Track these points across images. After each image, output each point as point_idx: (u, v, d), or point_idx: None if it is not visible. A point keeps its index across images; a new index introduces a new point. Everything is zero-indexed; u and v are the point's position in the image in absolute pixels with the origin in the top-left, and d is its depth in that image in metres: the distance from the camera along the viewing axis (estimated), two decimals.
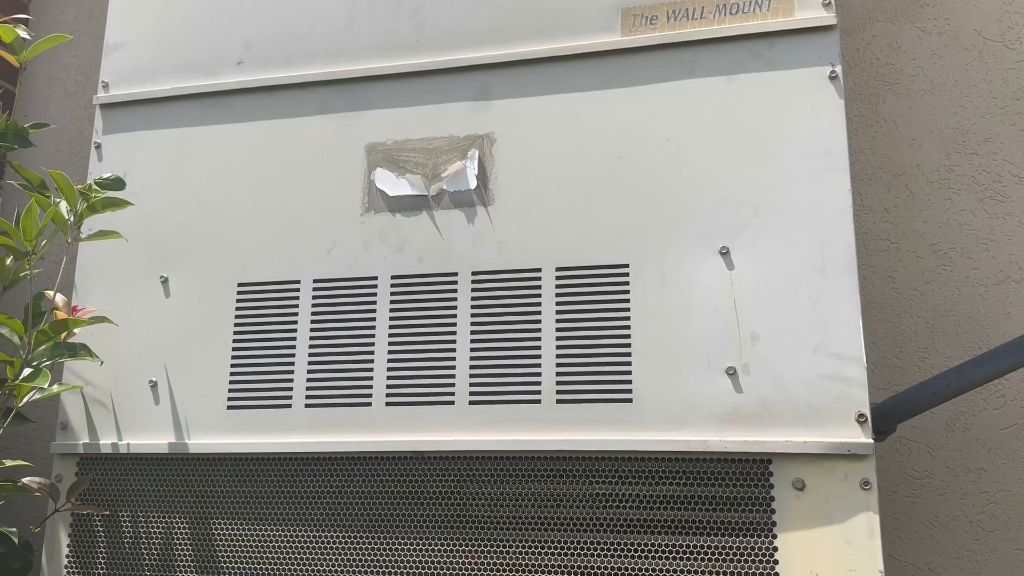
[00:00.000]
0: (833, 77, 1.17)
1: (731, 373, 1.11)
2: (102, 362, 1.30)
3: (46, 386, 1.13)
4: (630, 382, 1.14)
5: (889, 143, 1.64)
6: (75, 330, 1.29)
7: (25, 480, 1.23)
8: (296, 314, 1.28)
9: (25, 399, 1.19)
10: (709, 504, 1.09)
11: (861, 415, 1.07)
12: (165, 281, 1.35)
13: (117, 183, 1.25)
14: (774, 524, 1.07)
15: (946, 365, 1.53)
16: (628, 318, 1.16)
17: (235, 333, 1.30)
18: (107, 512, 1.28)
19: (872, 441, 1.06)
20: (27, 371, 1.15)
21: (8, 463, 1.21)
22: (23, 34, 1.47)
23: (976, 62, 1.64)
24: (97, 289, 1.38)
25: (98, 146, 1.45)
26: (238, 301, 1.31)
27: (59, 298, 1.28)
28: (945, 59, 1.65)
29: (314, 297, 1.28)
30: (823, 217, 1.13)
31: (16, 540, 1.22)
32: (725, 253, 1.15)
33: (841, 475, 1.06)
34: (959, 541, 1.48)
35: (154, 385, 1.32)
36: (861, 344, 1.09)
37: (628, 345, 1.15)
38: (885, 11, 1.69)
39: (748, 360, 1.11)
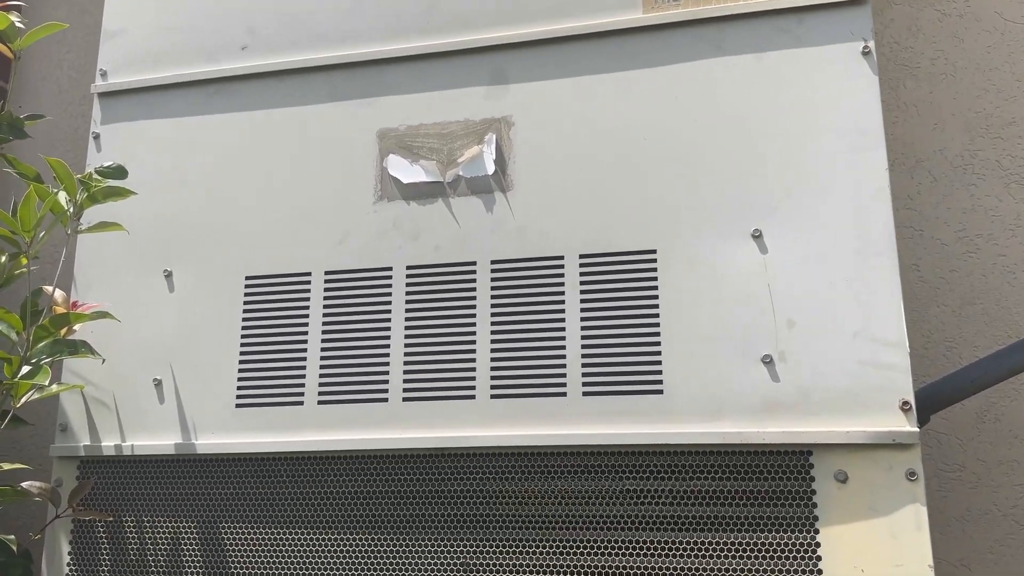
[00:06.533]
0: (866, 53, 1.12)
1: (767, 361, 1.06)
2: (104, 360, 1.25)
3: (46, 384, 1.07)
4: (660, 372, 1.09)
5: (911, 128, 1.60)
6: (75, 327, 1.23)
7: (24, 485, 1.17)
8: (307, 307, 1.23)
9: (23, 399, 1.13)
10: (747, 499, 1.04)
11: (905, 403, 1.02)
12: (169, 275, 1.30)
13: (119, 171, 1.20)
14: (816, 519, 1.02)
15: (974, 355, 1.49)
16: (656, 306, 1.11)
17: (243, 328, 1.25)
18: (110, 517, 1.22)
19: (918, 430, 1.01)
20: (26, 368, 1.09)
21: (6, 466, 1.15)
22: (17, 22, 1.41)
23: (998, 44, 1.60)
24: (97, 284, 1.33)
25: (96, 136, 1.39)
26: (246, 295, 1.26)
27: (58, 293, 1.22)
28: (966, 41, 1.61)
29: (326, 290, 1.23)
30: (859, 197, 1.08)
31: (15, 548, 1.17)
32: (758, 236, 1.10)
33: (886, 465, 1.01)
34: (993, 535, 1.43)
35: (158, 383, 1.26)
36: (903, 328, 1.04)
37: (657, 334, 1.10)
38: None
39: (785, 348, 1.06)
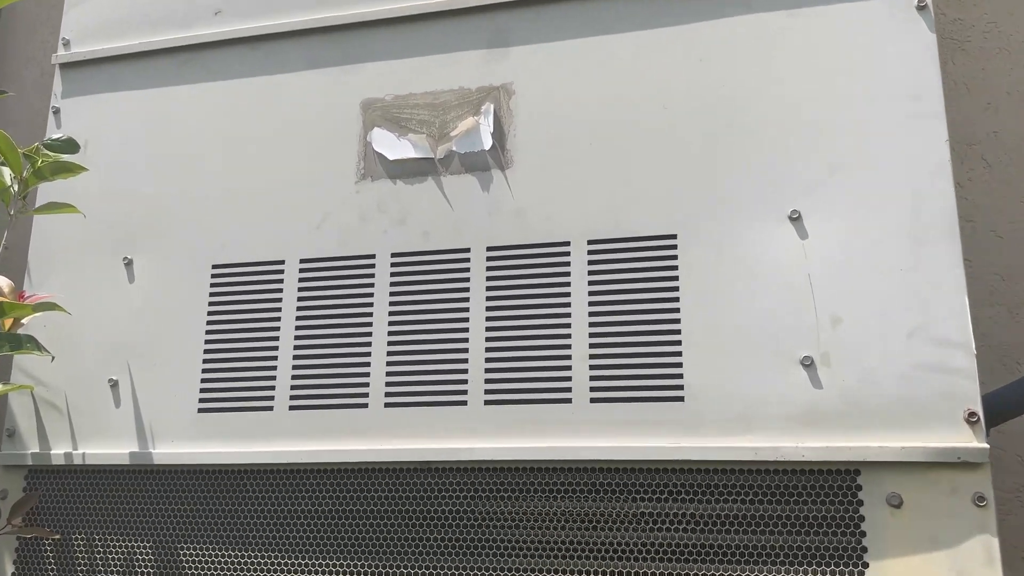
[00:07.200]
0: (922, 7, 0.97)
1: (807, 364, 0.91)
2: (53, 357, 1.11)
3: None
4: (681, 376, 0.94)
5: (961, 109, 1.44)
6: (23, 320, 1.10)
7: None
8: (280, 300, 1.09)
9: None
10: (782, 526, 0.88)
11: (972, 414, 0.86)
12: (129, 264, 1.16)
13: (69, 145, 1.06)
14: (864, 550, 0.86)
15: None
16: (677, 299, 0.96)
17: (208, 323, 1.11)
18: (56, 535, 1.08)
19: (987, 446, 0.85)
20: None
21: None
22: None
23: None
24: (53, 274, 1.19)
25: (56, 111, 1.26)
26: (212, 285, 1.12)
27: (3, 282, 1.09)
28: (1018, 14, 1.45)
29: (301, 280, 1.09)
30: (915, 172, 0.93)
31: None
32: (796, 219, 0.95)
33: (948, 488, 0.86)
34: None
35: (115, 384, 1.12)
36: (968, 326, 0.88)
37: (678, 332, 0.95)
38: None
39: (828, 348, 0.91)
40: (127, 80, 1.24)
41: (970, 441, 0.86)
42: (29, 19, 1.96)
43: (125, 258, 1.16)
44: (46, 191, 1.20)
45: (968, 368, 0.87)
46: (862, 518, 0.87)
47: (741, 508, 0.90)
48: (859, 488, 0.88)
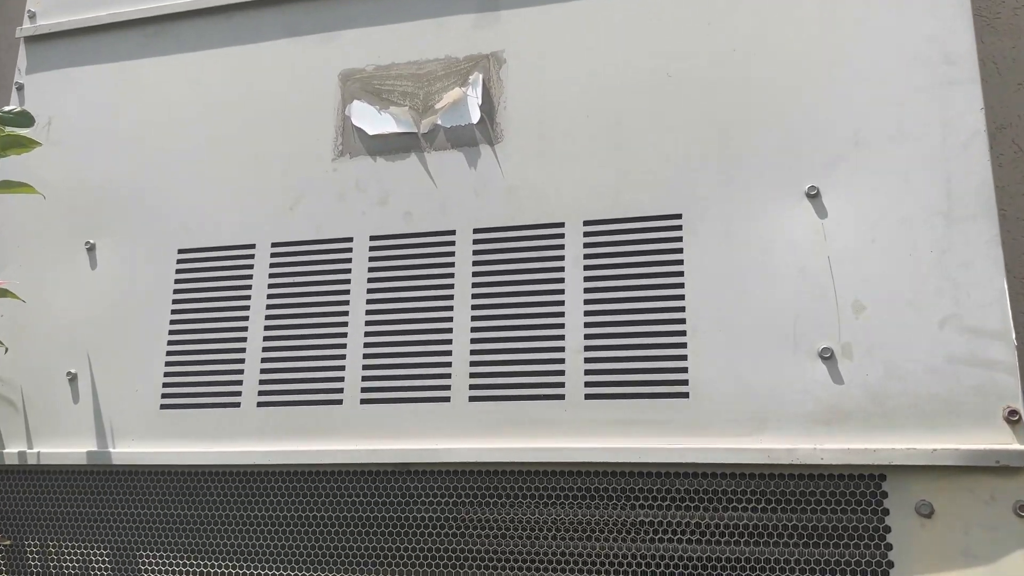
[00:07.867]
0: None
1: (827, 357, 0.82)
2: (7, 349, 1.03)
3: None
4: (685, 370, 0.85)
5: (990, 89, 1.34)
6: None
7: None
8: (249, 287, 1.00)
9: None
10: (798, 537, 0.79)
11: (1012, 412, 0.77)
12: (91, 249, 1.08)
13: (23, 118, 0.98)
14: (891, 564, 0.77)
15: None
16: (681, 285, 0.87)
17: (173, 312, 1.02)
18: (8, 541, 1.00)
19: None
20: None
21: None
22: None
23: None
24: (10, 259, 1.11)
25: (20, 87, 1.18)
26: (178, 272, 1.04)
27: None
28: None
29: (272, 265, 1.00)
30: (947, 145, 0.84)
31: None
32: (814, 195, 0.86)
33: (985, 495, 0.77)
34: None
35: (73, 378, 1.04)
36: (1008, 314, 0.79)
37: (682, 321, 0.86)
38: None
39: (850, 339, 0.81)
40: (94, 54, 1.16)
41: (1010, 443, 0.77)
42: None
43: (87, 242, 1.08)
44: (6, 170, 1.12)
45: (1007, 361, 0.78)
46: (888, 529, 0.78)
47: (752, 517, 0.81)
48: (885, 495, 0.79)
